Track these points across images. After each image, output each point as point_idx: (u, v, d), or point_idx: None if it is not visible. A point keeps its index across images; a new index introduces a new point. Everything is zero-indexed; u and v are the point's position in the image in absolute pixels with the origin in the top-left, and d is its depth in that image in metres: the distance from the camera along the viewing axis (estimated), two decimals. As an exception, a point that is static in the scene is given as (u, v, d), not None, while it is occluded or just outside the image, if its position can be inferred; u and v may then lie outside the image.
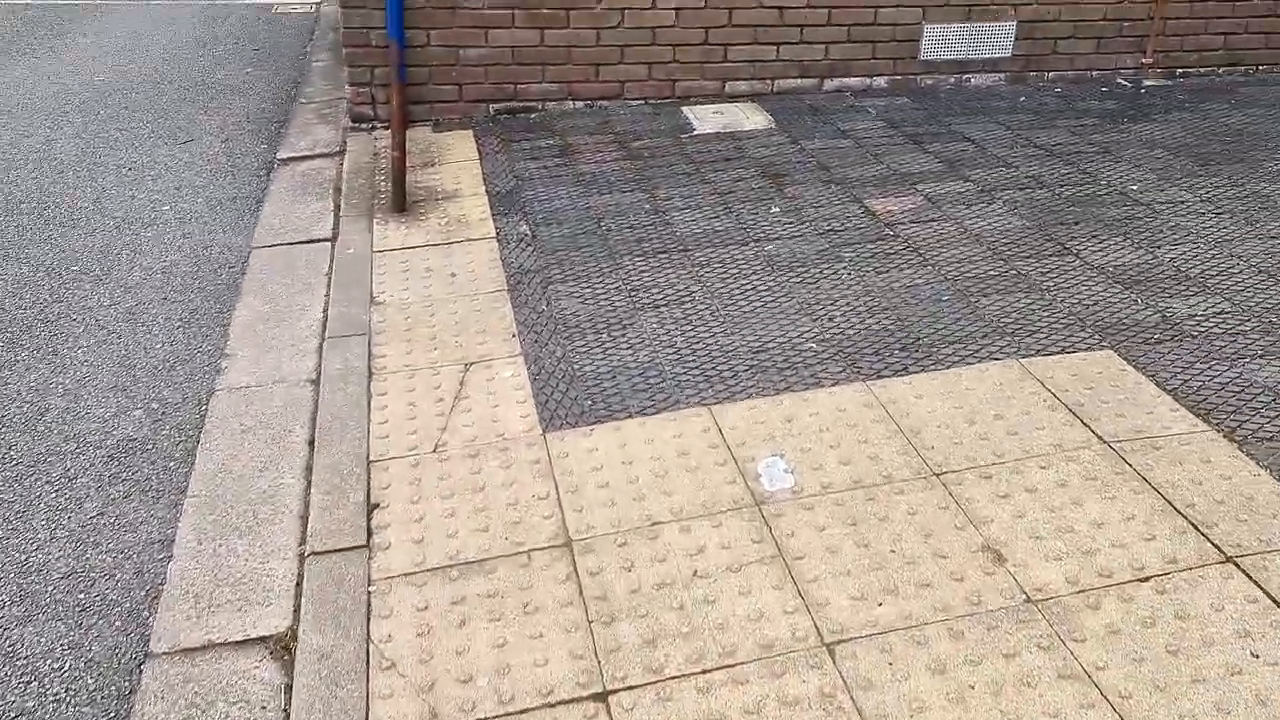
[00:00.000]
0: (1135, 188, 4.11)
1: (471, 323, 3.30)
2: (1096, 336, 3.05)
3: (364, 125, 5.09)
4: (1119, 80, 5.55)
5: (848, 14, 5.25)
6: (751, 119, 5.03)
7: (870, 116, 5.06)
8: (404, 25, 4.66)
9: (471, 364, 3.10)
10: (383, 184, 4.44)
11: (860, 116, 5.05)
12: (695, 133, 4.89)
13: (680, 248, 3.72)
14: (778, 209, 3.99)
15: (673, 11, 5.12)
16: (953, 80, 5.49)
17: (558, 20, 5.02)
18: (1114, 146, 4.58)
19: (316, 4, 8.14)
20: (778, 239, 3.75)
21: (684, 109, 5.17)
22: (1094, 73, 5.56)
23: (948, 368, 2.91)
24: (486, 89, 5.12)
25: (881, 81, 5.45)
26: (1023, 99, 5.29)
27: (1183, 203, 3.97)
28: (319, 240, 3.98)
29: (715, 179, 4.33)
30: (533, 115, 5.19)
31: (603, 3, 5.03)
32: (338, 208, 4.26)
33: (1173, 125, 4.85)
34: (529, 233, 3.91)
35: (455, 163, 4.66)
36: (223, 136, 5.18)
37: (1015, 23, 5.38)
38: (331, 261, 3.78)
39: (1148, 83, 5.51)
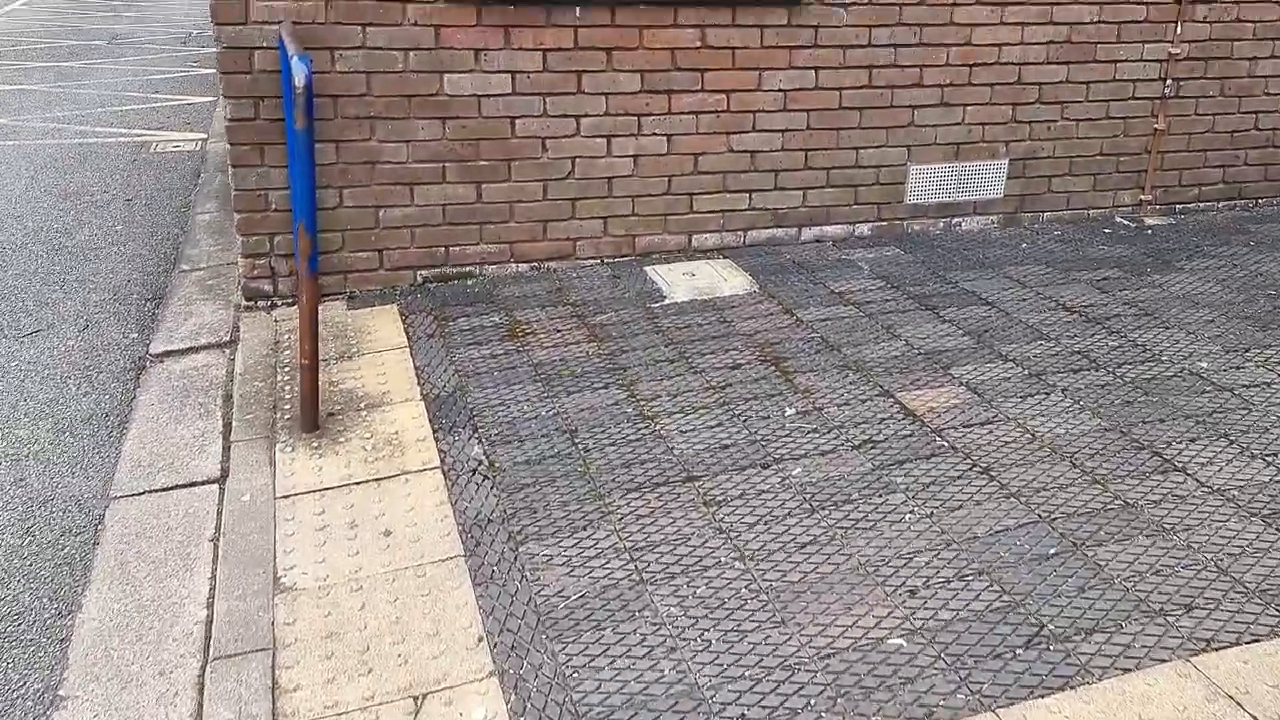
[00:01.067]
0: (1205, 365, 3.49)
1: (419, 618, 2.38)
2: (1266, 605, 2.32)
3: (261, 303, 4.18)
4: (1119, 220, 5.06)
5: (827, 156, 4.64)
6: (730, 281, 4.31)
7: (864, 273, 4.40)
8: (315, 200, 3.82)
9: (425, 695, 2.17)
10: (287, 387, 3.52)
11: (852, 273, 4.39)
12: (667, 301, 4.14)
13: (684, 475, 2.89)
14: (793, 410, 3.22)
15: (630, 159, 4.41)
16: (942, 225, 4.91)
17: (498, 173, 4.26)
18: (1152, 307, 4.00)
19: (202, 140, 7.25)
20: (804, 457, 2.96)
21: (648, 270, 4.43)
22: (1091, 212, 5.06)
23: (1098, 678, 2.11)
24: (413, 254, 4.29)
25: (865, 229, 4.83)
26: (1024, 245, 4.72)
27: (1270, 385, 3.36)
28: (202, 483, 3.01)
29: (705, 366, 3.55)
30: (470, 283, 4.37)
31: (549, 151, 4.29)
32: (228, 427, 3.31)
33: (1203, 277, 4.32)
34: (483, 458, 3.03)
35: (379, 351, 3.78)
36: (81, 323, 4.18)
37: (1007, 161, 4.85)
38: (219, 519, 2.82)
39: (1150, 221, 5.03)
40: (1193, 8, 4.74)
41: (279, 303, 4.19)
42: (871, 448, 3.00)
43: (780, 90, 4.46)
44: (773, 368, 3.54)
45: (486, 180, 4.28)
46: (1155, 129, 4.93)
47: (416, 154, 4.15)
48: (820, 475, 2.86)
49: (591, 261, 4.54)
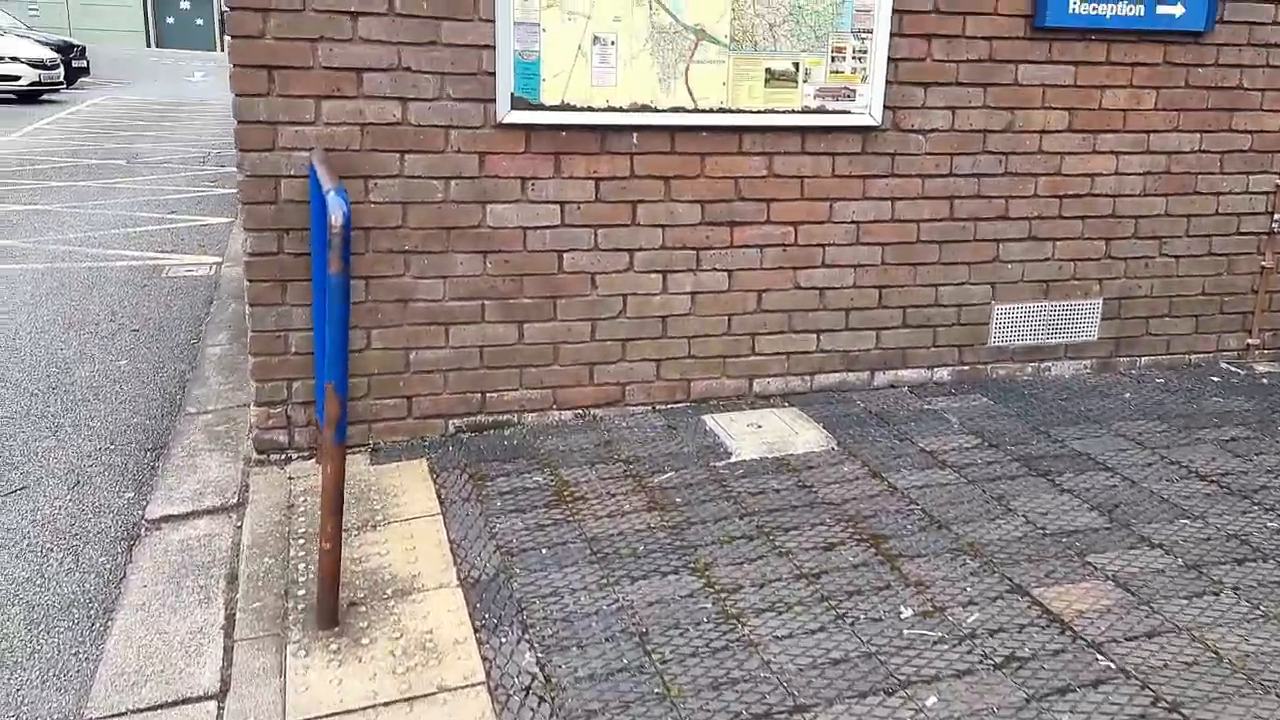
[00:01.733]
0: (1389, 551, 2.95)
1: None
2: None
3: (274, 456, 3.70)
4: (1224, 366, 4.59)
5: (904, 294, 4.21)
6: (802, 434, 3.82)
7: (953, 427, 3.91)
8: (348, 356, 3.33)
9: None
10: (301, 565, 2.99)
11: (940, 428, 3.90)
12: (734, 459, 3.63)
13: (791, 704, 2.32)
14: (909, 611, 2.67)
15: (687, 297, 3.98)
16: (1030, 370, 4.45)
17: (542, 311, 3.83)
18: (1296, 472, 3.49)
19: (216, 264, 6.90)
20: (937, 679, 2.40)
21: (707, 419, 3.94)
22: (1193, 357, 4.60)
23: None
24: (445, 401, 3.82)
25: (944, 374, 4.36)
26: (1128, 395, 4.24)
27: None
28: (197, 699, 2.45)
29: (791, 547, 3.02)
30: (507, 433, 3.88)
31: (599, 287, 3.87)
32: (231, 619, 2.76)
33: (1332, 431, 3.83)
34: (537, 671, 2.48)
35: (408, 519, 3.26)
36: (71, 479, 3.69)
37: (1101, 300, 4.42)
38: (212, 757, 2.27)
39: (1261, 369, 4.55)
40: (1297, 137, 4.38)
41: (294, 455, 3.70)
42: (1019, 668, 2.43)
43: (853, 222, 4.07)
44: (872, 549, 3.01)
45: (529, 319, 3.84)
46: (1262, 266, 4.51)
47: (454, 291, 3.72)
48: (963, 708, 2.29)
49: (642, 409, 4.06)
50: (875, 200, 4.05)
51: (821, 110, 3.89)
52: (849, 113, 3.91)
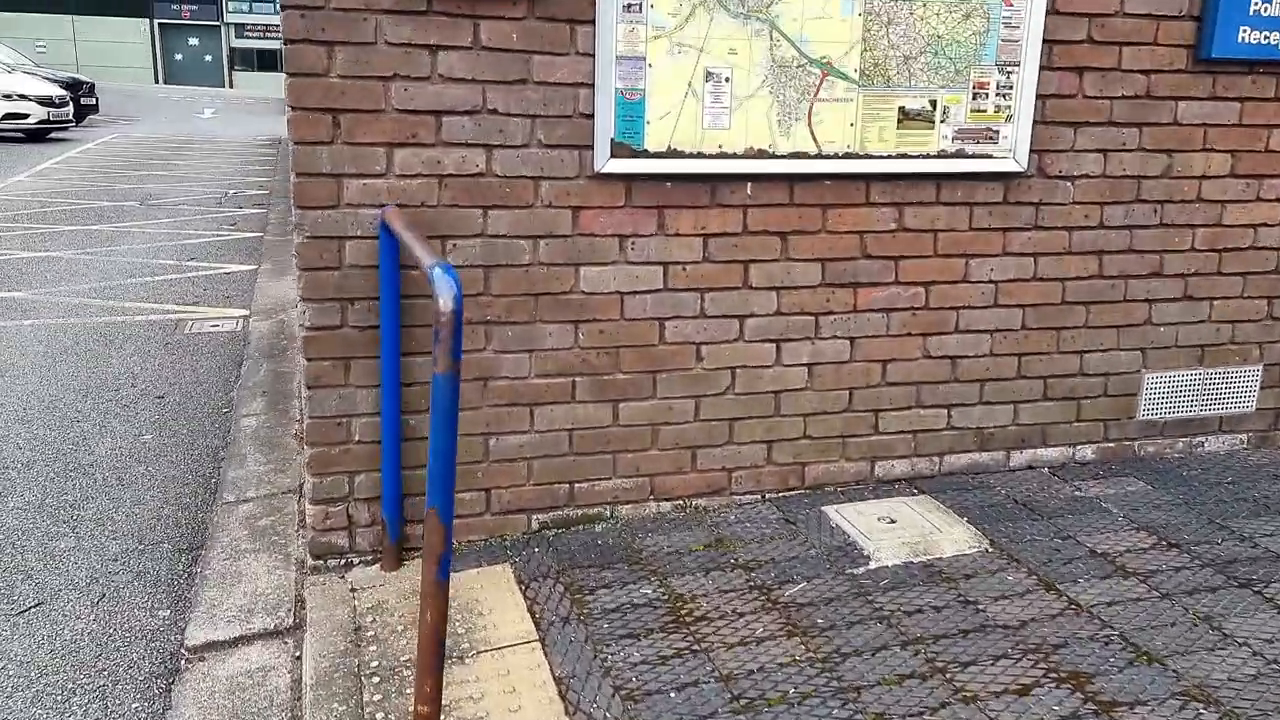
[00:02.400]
0: None
1: None
2: None
3: (333, 561, 3.16)
4: (1398, 437, 4.07)
5: (1045, 362, 3.68)
6: (946, 531, 3.28)
7: (1116, 520, 3.37)
8: (453, 446, 2.68)
9: None
10: (379, 715, 2.45)
11: (1103, 521, 3.36)
12: (873, 564, 3.09)
13: None
14: (1160, 789, 2.13)
15: (803, 369, 3.46)
16: (1181, 446, 3.91)
17: (640, 388, 3.31)
18: None
19: (243, 317, 6.39)
20: None
21: (828, 511, 3.40)
22: (1361, 427, 4.08)
23: None
24: (529, 492, 3.29)
25: (1088, 452, 3.83)
26: (1302, 476, 3.72)
27: None
28: None
29: (976, 689, 2.47)
30: (599, 528, 3.35)
31: (705, 360, 3.36)
32: (297, 799, 2.23)
33: None
34: None
35: (499, 647, 2.72)
36: (95, 591, 3.14)
37: (1261, 367, 3.89)
38: None
39: None
40: None
41: (356, 560, 3.17)
42: None
43: (991, 281, 3.55)
44: (1076, 694, 2.46)
45: (625, 397, 3.32)
46: None
47: (541, 366, 3.21)
48: None
49: (750, 498, 3.52)
50: (1016, 256, 3.54)
51: (960, 154, 3.39)
52: (990, 157, 3.41)
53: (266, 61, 52.83)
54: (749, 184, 3.25)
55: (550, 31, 2.97)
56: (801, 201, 3.31)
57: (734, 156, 3.20)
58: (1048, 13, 3.32)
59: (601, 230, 3.16)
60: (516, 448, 3.25)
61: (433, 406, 2.01)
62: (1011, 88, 3.36)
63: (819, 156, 3.27)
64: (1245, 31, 3.47)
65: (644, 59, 3.06)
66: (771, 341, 3.41)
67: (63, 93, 19.47)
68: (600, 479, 3.35)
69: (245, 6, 51.76)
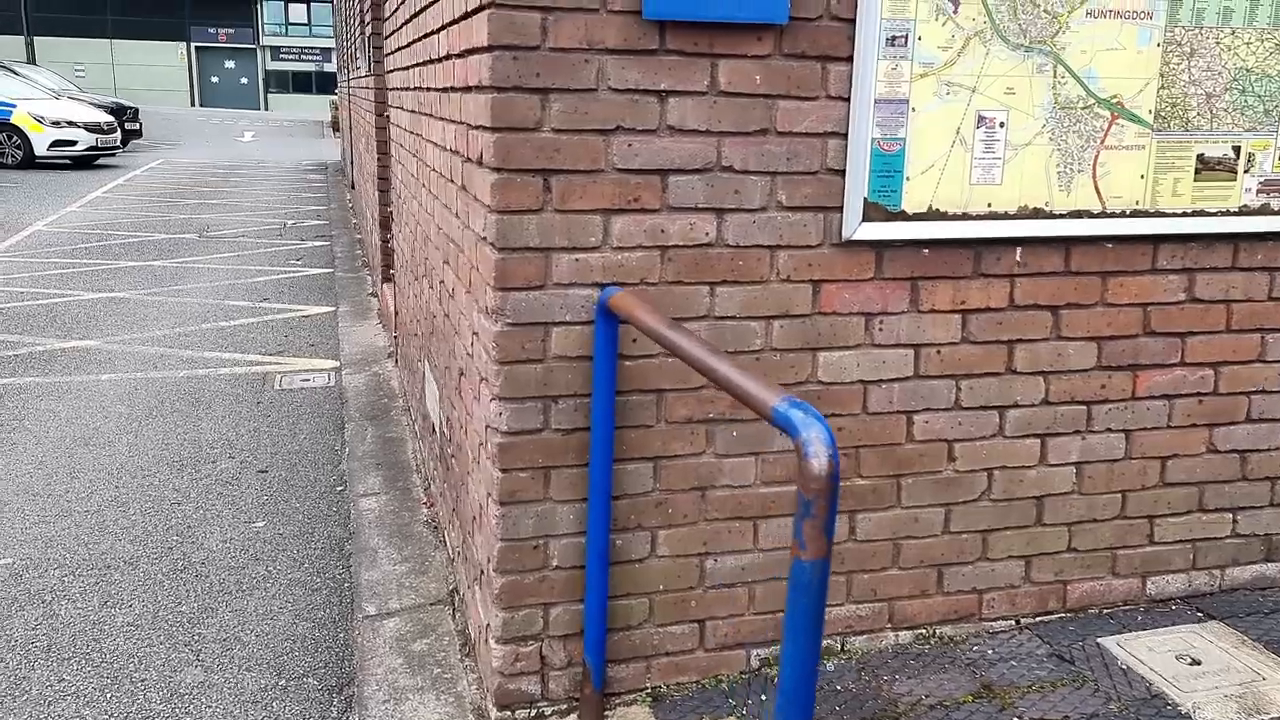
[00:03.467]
0: None
1: None
2: None
3: (521, 712, 2.61)
4: None
5: (1345, 455, 3.09)
6: (1272, 678, 2.67)
7: None
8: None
9: None
10: None
11: None
12: (1194, 724, 2.51)
13: None
14: None
15: (1071, 469, 2.88)
16: None
17: (881, 496, 2.74)
18: None
19: (333, 370, 5.88)
20: None
21: (1109, 645, 2.81)
22: None
23: None
24: (749, 624, 2.72)
25: (1387, 557, 3.23)
26: None
27: None
28: None
29: None
30: (830, 665, 2.77)
31: (958, 460, 2.78)
32: None
33: None
34: None
35: None
36: (232, 752, 2.63)
37: None
38: None
39: None
40: None
41: (548, 710, 2.61)
42: None
43: (1289, 361, 2.97)
44: None
45: (864, 507, 2.75)
46: None
47: (768, 472, 2.64)
48: None
49: (1004, 624, 2.94)
50: (1321, 330, 2.96)
51: (1265, 210, 2.81)
52: (1300, 213, 2.84)
53: (301, 84, 53.04)
54: (1019, 249, 2.68)
55: (799, 71, 2.42)
56: (1079, 269, 2.74)
57: (1004, 217, 2.63)
58: (1379, 39, 2.74)
59: (845, 308, 2.60)
60: (736, 570, 2.68)
61: (791, 606, 1.45)
62: (1330, 129, 2.78)
63: (1102, 215, 2.69)
64: None
65: (906, 102, 2.50)
66: (1036, 436, 2.83)
67: (110, 119, 19.27)
68: (832, 604, 2.78)
69: (281, 29, 51.96)
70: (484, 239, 2.41)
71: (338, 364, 5.95)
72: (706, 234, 2.45)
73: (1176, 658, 2.74)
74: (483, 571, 2.68)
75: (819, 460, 1.41)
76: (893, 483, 2.75)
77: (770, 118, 2.43)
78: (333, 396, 5.41)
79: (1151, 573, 3.02)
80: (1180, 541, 3.02)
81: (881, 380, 2.67)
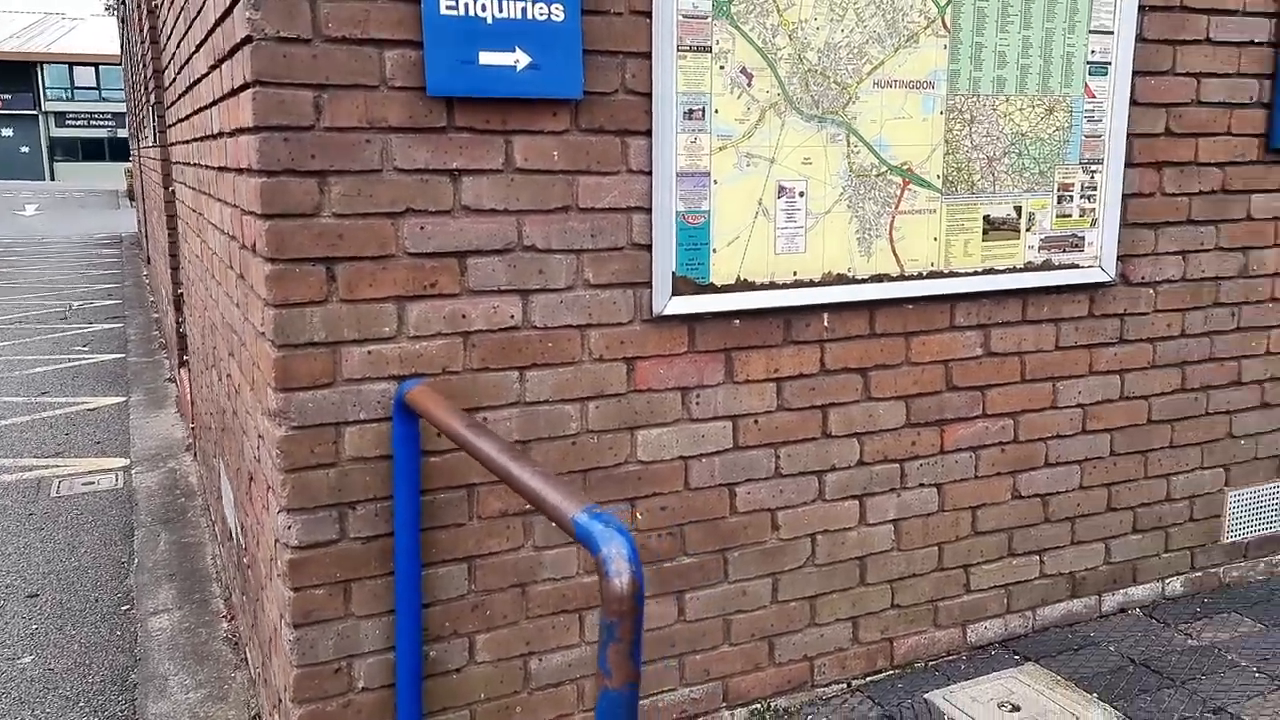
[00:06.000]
0: None
1: None
2: None
3: None
4: None
5: (1134, 490, 3.25)
6: (1086, 716, 2.74)
7: (1250, 674, 2.92)
8: None
9: None
10: None
11: (1237, 679, 2.90)
12: (1025, 775, 2.53)
13: None
14: None
15: (889, 526, 2.90)
16: (1262, 567, 3.55)
17: (708, 573, 2.64)
18: None
19: (122, 469, 5.34)
20: None
21: (936, 700, 2.81)
22: None
23: None
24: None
25: (1176, 585, 3.41)
26: (1406, 594, 3.40)
27: None
28: None
29: None
30: (669, 756, 2.66)
31: (782, 528, 2.75)
32: None
33: None
34: None
35: None
36: None
37: (1337, 473, 3.61)
38: None
39: None
40: None
41: None
42: None
43: (1079, 406, 3.11)
44: None
45: (691, 586, 2.66)
46: None
47: (591, 561, 2.53)
48: None
49: (837, 688, 2.90)
50: (1103, 375, 3.12)
51: (1047, 266, 2.95)
52: (1077, 266, 2.99)
53: (91, 151, 49.66)
54: (826, 315, 2.70)
55: (598, 146, 2.35)
56: (883, 331, 2.78)
57: (810, 284, 2.64)
58: (1130, 104, 2.96)
59: (661, 384, 2.53)
60: (564, 668, 2.53)
61: (608, 739, 1.32)
62: (1095, 188, 2.97)
63: (901, 278, 2.75)
64: (1312, 119, 3.21)
65: (708, 174, 2.48)
66: (854, 498, 2.83)
67: None
68: (665, 691, 2.67)
69: (66, 94, 48.62)
70: (263, 334, 2.20)
71: (128, 462, 5.42)
72: (512, 316, 2.33)
73: (998, 706, 2.78)
74: (280, 700, 2.41)
75: (621, 580, 1.30)
76: (719, 557, 2.68)
77: (571, 194, 2.35)
78: (121, 500, 4.90)
79: (970, 620, 3.07)
80: (994, 587, 3.09)
81: (702, 454, 2.61)
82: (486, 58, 2.16)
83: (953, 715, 2.75)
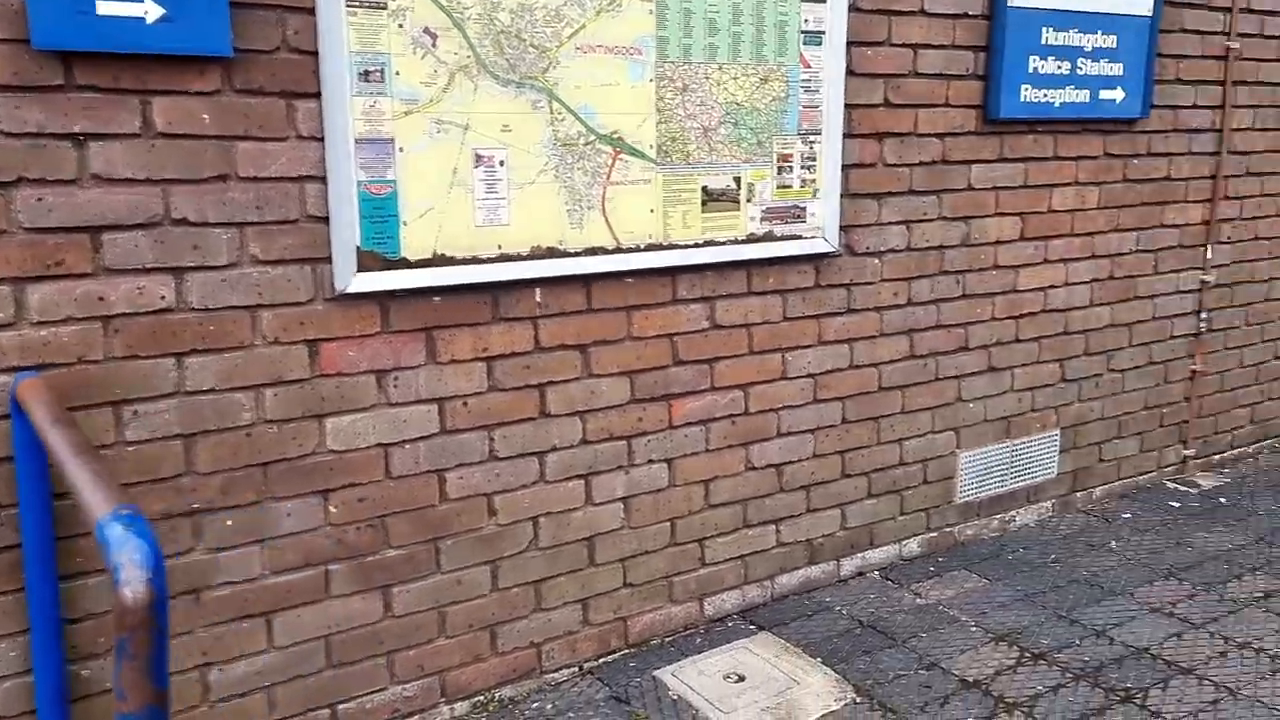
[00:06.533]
0: None
1: None
2: None
3: None
4: (1170, 485, 4.10)
5: (868, 456, 3.31)
6: (805, 682, 2.76)
7: (968, 629, 3.03)
8: None
9: None
10: None
11: (957, 635, 3.01)
12: (737, 749, 2.52)
13: None
14: None
15: (619, 504, 2.83)
16: (996, 524, 3.70)
17: (418, 564, 2.50)
18: (1375, 640, 2.93)
19: None
20: None
21: (664, 677, 2.79)
22: (1141, 479, 4.08)
23: None
24: None
25: (914, 546, 3.51)
26: (1113, 544, 3.59)
27: None
28: None
29: None
30: (380, 758, 2.51)
31: (500, 514, 2.64)
32: None
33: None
34: None
35: None
36: None
37: (1058, 431, 3.77)
38: None
39: (1205, 484, 4.11)
40: (1220, 226, 4.02)
41: None
42: None
43: (809, 375, 3.13)
44: None
45: (399, 580, 2.51)
46: (1193, 371, 4.10)
47: (278, 560, 2.33)
48: None
49: (568, 672, 2.83)
50: (832, 345, 3.14)
51: (769, 237, 2.93)
52: (800, 237, 2.98)
53: None
54: (538, 290, 2.58)
55: (259, 110, 2.14)
56: (601, 306, 2.69)
57: (518, 259, 2.52)
58: (846, 74, 2.96)
59: (351, 368, 2.36)
60: (251, 675, 2.34)
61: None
62: (815, 159, 2.96)
63: (619, 251, 2.67)
64: (1027, 90, 3.32)
65: (392, 141, 2.30)
66: (579, 478, 2.75)
67: None
68: (375, 690, 2.52)
69: None
70: None
71: None
72: (162, 298, 2.10)
73: (725, 677, 2.78)
74: (-98, 739, 2.13)
75: (132, 590, 1.14)
76: (430, 547, 2.55)
77: (229, 161, 2.13)
78: None
79: (708, 594, 3.07)
80: (731, 559, 3.09)
81: (405, 440, 2.46)
82: (106, 7, 1.91)
83: (679, 691, 2.73)
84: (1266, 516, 3.81)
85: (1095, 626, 3.04)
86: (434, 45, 2.31)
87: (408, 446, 2.47)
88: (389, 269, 2.35)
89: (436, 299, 2.44)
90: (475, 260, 2.46)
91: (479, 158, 2.42)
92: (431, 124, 2.34)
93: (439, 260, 2.41)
